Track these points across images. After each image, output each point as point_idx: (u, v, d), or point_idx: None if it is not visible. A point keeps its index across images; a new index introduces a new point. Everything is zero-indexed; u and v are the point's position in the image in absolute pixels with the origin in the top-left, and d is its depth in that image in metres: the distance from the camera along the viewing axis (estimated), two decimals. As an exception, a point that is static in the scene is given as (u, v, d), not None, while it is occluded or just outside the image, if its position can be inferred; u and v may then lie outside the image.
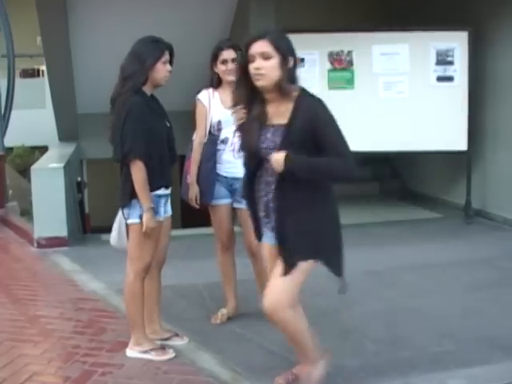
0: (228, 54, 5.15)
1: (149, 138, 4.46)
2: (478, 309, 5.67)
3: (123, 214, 4.63)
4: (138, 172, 4.43)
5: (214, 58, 5.21)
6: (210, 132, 5.24)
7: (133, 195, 4.49)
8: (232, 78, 5.13)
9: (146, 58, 4.48)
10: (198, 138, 5.27)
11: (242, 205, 5.32)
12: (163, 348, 4.75)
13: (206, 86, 5.35)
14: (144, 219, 4.46)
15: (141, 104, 4.46)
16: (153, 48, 4.55)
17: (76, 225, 9.25)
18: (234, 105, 3.98)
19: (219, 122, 5.19)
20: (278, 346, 4.84)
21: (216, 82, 5.27)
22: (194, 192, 5.24)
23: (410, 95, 9.22)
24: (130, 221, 4.58)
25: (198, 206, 5.29)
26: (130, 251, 4.65)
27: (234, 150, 5.15)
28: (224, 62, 5.15)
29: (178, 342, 4.92)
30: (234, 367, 4.50)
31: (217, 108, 5.21)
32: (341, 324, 5.36)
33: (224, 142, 5.19)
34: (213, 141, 5.22)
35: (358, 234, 8.52)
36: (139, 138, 4.41)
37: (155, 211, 4.52)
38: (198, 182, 5.23)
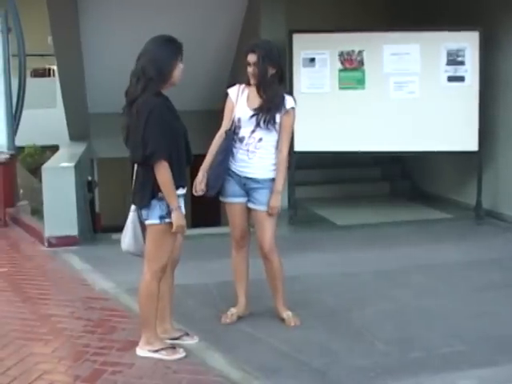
0: (250, 57, 5.15)
1: (170, 139, 4.48)
2: (489, 309, 5.66)
3: (141, 214, 4.64)
4: (165, 172, 4.43)
5: (245, 58, 5.24)
6: (232, 127, 5.25)
7: (153, 196, 4.51)
8: (253, 81, 5.19)
9: (166, 58, 4.51)
10: (220, 130, 5.28)
11: (256, 206, 5.36)
12: (173, 347, 4.75)
13: (240, 82, 5.38)
14: (174, 218, 4.48)
15: (161, 105, 4.49)
16: (170, 48, 4.57)
17: (87, 224, 9.25)
18: None
19: (239, 120, 5.19)
20: (288, 346, 4.85)
21: (248, 80, 5.26)
22: (198, 179, 5.21)
23: (420, 95, 9.18)
24: (149, 221, 4.59)
25: (196, 194, 5.24)
26: (148, 252, 4.66)
27: (248, 151, 5.17)
28: (248, 64, 5.16)
29: (188, 342, 4.92)
30: (243, 367, 4.50)
31: (241, 105, 5.22)
32: (351, 324, 5.35)
33: (240, 140, 5.18)
34: (230, 135, 5.22)
35: (368, 235, 8.53)
36: (162, 138, 4.43)
37: None
38: (208, 172, 5.23)
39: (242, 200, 5.28)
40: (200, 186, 5.20)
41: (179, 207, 4.50)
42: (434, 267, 6.93)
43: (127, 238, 4.78)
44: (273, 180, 5.20)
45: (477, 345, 4.86)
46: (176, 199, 4.48)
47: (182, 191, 4.62)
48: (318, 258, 7.38)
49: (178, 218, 4.48)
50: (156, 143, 4.40)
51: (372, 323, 5.32)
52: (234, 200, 5.27)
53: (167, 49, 4.55)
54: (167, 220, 4.55)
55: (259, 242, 5.25)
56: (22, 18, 11.26)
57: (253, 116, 5.12)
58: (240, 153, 5.19)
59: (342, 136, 9.19)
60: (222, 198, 5.32)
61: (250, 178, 5.18)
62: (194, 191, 5.25)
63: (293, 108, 5.21)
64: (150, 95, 4.46)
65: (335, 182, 11.30)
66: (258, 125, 5.12)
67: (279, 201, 5.23)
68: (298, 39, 9.11)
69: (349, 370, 4.46)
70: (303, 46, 9.13)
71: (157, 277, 4.63)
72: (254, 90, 5.21)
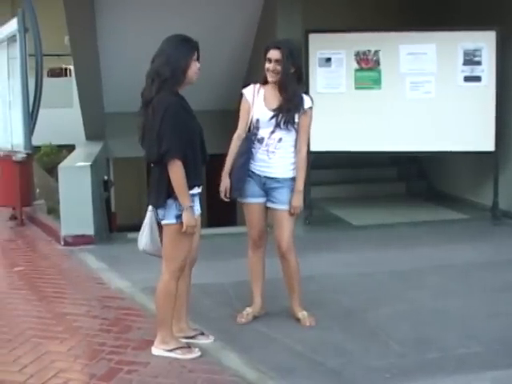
0: (273, 53, 5.13)
1: (185, 138, 4.48)
2: (505, 310, 5.63)
3: (157, 214, 4.65)
4: (178, 171, 4.44)
5: (264, 54, 5.21)
6: (249, 128, 5.25)
7: (168, 195, 4.51)
8: (272, 78, 5.18)
9: (180, 59, 4.51)
10: (238, 132, 5.28)
11: (276, 205, 5.36)
12: (189, 347, 4.76)
13: (255, 81, 5.38)
14: (184, 218, 4.47)
15: (176, 103, 4.49)
16: (185, 48, 4.57)
17: (102, 223, 9.28)
18: None
19: (257, 121, 5.19)
20: (303, 346, 4.85)
21: (264, 79, 5.26)
22: (224, 184, 5.24)
23: (437, 95, 9.14)
24: (165, 221, 4.60)
25: (227, 199, 5.28)
26: (165, 252, 4.66)
27: (268, 151, 5.17)
28: (268, 60, 5.14)
29: (203, 341, 4.93)
30: (258, 367, 4.49)
31: (259, 106, 5.21)
32: (367, 324, 5.33)
33: (260, 141, 5.18)
34: (249, 137, 5.21)
35: (384, 235, 8.50)
36: (177, 137, 4.43)
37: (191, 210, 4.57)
38: (230, 175, 5.24)
39: (261, 200, 5.28)
40: (228, 191, 5.23)
41: (191, 207, 4.50)
42: (450, 268, 6.90)
43: (144, 237, 4.78)
44: (292, 179, 5.21)
45: (493, 346, 4.83)
46: (188, 199, 4.48)
47: (197, 190, 4.63)
48: (334, 258, 7.37)
49: (189, 218, 4.48)
50: (171, 141, 4.40)
51: (387, 324, 5.31)
52: (253, 200, 5.27)
53: (182, 49, 4.55)
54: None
55: (277, 241, 5.25)
56: (39, 18, 11.30)
57: (273, 117, 5.12)
58: (260, 153, 5.19)
59: (358, 136, 9.16)
60: (240, 199, 5.32)
61: (271, 178, 5.19)
62: (222, 196, 5.27)
63: (310, 108, 5.21)
64: (166, 95, 4.46)
65: (351, 182, 11.31)
66: (277, 125, 5.12)
67: (301, 200, 5.26)
68: (314, 39, 9.10)
69: (364, 370, 4.45)
70: (319, 45, 9.12)
71: (175, 276, 4.64)
72: (270, 89, 5.22)
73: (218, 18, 9.78)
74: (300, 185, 5.23)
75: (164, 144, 4.40)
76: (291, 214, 5.20)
